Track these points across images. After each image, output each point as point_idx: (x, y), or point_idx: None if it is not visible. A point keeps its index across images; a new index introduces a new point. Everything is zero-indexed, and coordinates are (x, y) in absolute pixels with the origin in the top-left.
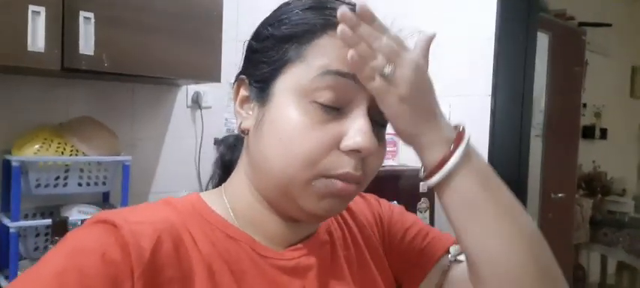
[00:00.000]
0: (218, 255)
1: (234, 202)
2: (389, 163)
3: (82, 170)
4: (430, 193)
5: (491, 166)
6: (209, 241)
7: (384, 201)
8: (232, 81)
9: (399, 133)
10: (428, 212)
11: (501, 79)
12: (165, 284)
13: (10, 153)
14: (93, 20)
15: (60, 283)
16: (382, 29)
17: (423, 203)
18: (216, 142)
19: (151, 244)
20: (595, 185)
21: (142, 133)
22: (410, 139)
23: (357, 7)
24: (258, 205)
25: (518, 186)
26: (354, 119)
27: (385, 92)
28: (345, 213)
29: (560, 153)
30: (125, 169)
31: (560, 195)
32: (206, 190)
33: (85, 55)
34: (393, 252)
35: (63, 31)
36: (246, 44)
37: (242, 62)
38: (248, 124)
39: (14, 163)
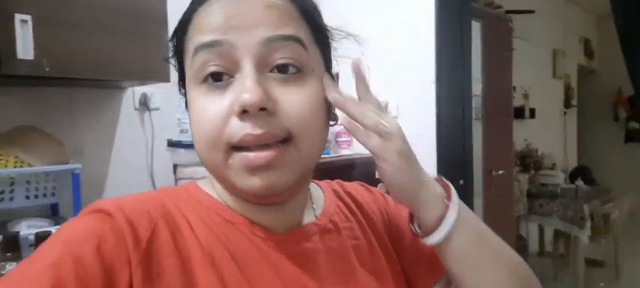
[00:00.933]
0: (217, 240)
1: (220, 189)
2: (344, 152)
3: (28, 182)
4: None
5: (440, 153)
6: (207, 226)
7: (389, 197)
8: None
9: (398, 191)
10: None
11: (444, 66)
12: (164, 273)
13: None
14: (30, 23)
15: (55, 274)
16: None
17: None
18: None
19: (148, 233)
20: (528, 161)
21: (88, 139)
22: (409, 196)
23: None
24: (232, 197)
25: (464, 165)
26: (238, 85)
27: (384, 149)
28: (352, 205)
29: (498, 133)
30: (75, 177)
31: (500, 172)
32: None
33: (24, 60)
34: (400, 251)
35: None
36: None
37: None
38: None
39: None
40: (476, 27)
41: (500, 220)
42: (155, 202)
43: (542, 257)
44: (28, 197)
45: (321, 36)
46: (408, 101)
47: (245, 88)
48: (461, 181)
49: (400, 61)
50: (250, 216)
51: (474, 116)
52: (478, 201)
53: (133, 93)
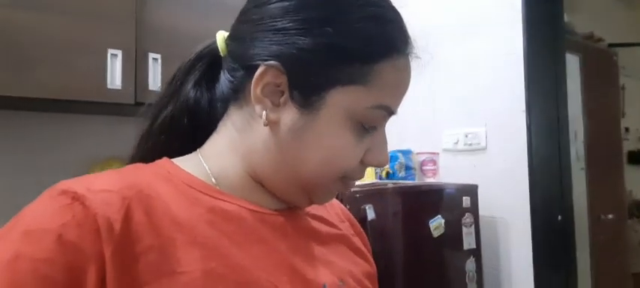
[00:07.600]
0: (200, 216)
1: (219, 170)
2: (430, 180)
3: None
4: (474, 208)
5: (533, 182)
6: (189, 202)
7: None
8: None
9: None
10: (473, 226)
11: (534, 94)
12: (141, 257)
13: None
14: (159, 61)
15: (11, 274)
16: None
17: (468, 218)
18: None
19: (121, 215)
20: None
21: None
22: None
23: None
24: (248, 178)
25: (562, 198)
26: (378, 138)
27: None
28: (338, 215)
29: (606, 176)
30: None
31: (609, 216)
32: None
33: (154, 91)
34: None
35: (136, 70)
36: (274, 20)
37: (265, 40)
38: (275, 117)
39: None
40: (574, 61)
41: (614, 274)
42: (126, 179)
43: None
44: None
45: None
46: (499, 131)
47: (385, 153)
48: (559, 217)
49: (490, 89)
50: (248, 197)
51: (580, 167)
52: (584, 254)
53: None
